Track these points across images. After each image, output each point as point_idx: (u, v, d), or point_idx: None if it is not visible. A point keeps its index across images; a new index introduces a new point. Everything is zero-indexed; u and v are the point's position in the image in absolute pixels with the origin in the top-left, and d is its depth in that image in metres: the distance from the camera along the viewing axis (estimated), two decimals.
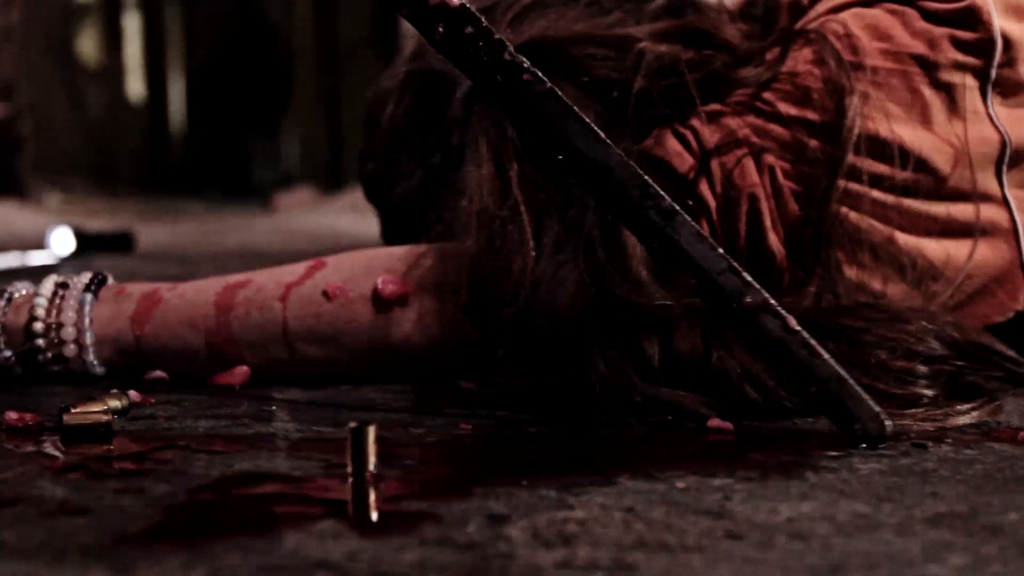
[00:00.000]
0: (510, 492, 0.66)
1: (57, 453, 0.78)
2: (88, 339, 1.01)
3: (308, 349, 0.99)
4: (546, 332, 0.89)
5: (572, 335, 0.88)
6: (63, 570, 0.55)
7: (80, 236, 2.42)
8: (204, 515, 0.64)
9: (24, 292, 1.04)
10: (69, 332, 1.01)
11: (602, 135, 0.78)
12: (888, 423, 0.76)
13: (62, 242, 2.38)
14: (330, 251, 1.06)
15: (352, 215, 3.56)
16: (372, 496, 0.66)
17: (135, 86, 5.35)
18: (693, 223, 0.78)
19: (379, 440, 0.70)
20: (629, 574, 0.54)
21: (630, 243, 0.89)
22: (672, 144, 0.97)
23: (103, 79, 5.31)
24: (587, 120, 0.78)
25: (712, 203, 0.95)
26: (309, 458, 0.75)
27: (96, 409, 0.84)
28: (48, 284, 1.03)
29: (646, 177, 0.78)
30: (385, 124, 1.15)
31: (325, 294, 0.99)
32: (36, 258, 2.30)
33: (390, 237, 1.19)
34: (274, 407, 0.91)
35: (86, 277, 1.04)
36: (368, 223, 1.33)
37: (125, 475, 0.72)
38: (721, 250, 0.77)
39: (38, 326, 1.01)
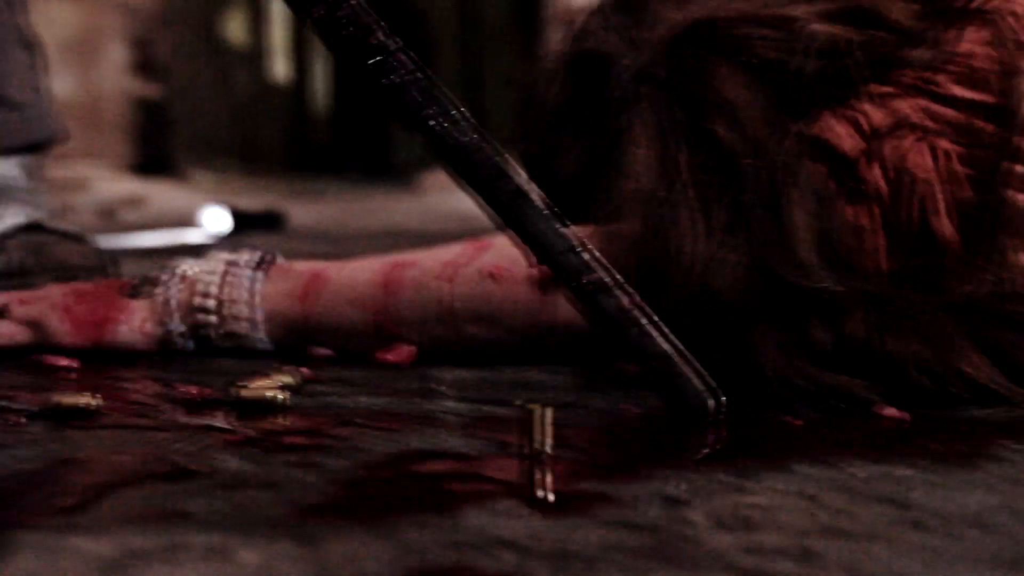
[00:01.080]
0: (685, 476, 0.66)
1: (233, 427, 0.79)
2: (257, 316, 1.03)
3: (472, 329, 1.00)
4: (711, 315, 0.88)
5: (738, 319, 0.87)
6: (251, 541, 0.56)
7: (233, 215, 2.47)
8: (383, 491, 0.65)
9: (192, 269, 1.06)
10: (238, 309, 1.03)
11: (461, 115, 0.81)
12: (711, 401, 0.78)
13: (215, 220, 2.43)
14: (476, 232, 1.07)
15: None
16: (548, 476, 0.67)
17: (280, 67, 5.43)
18: (542, 204, 0.80)
19: (547, 421, 0.71)
20: (815, 561, 0.54)
21: (797, 227, 0.88)
22: (839, 127, 0.96)
23: (249, 61, 5.40)
24: (447, 101, 0.81)
25: (881, 188, 0.93)
26: (480, 437, 0.75)
27: (269, 384, 0.85)
28: (218, 261, 1.05)
29: (498, 158, 0.81)
30: (545, 105, 1.15)
31: (490, 275, 0.99)
32: (190, 236, 2.35)
33: None
34: (441, 386, 0.92)
35: (255, 255, 1.05)
36: None
37: (301, 450, 0.73)
38: (568, 230, 0.80)
39: (209, 302, 1.03)
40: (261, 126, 5.38)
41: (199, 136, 4.59)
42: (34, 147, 1.50)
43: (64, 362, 1.01)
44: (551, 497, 0.63)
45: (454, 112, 0.80)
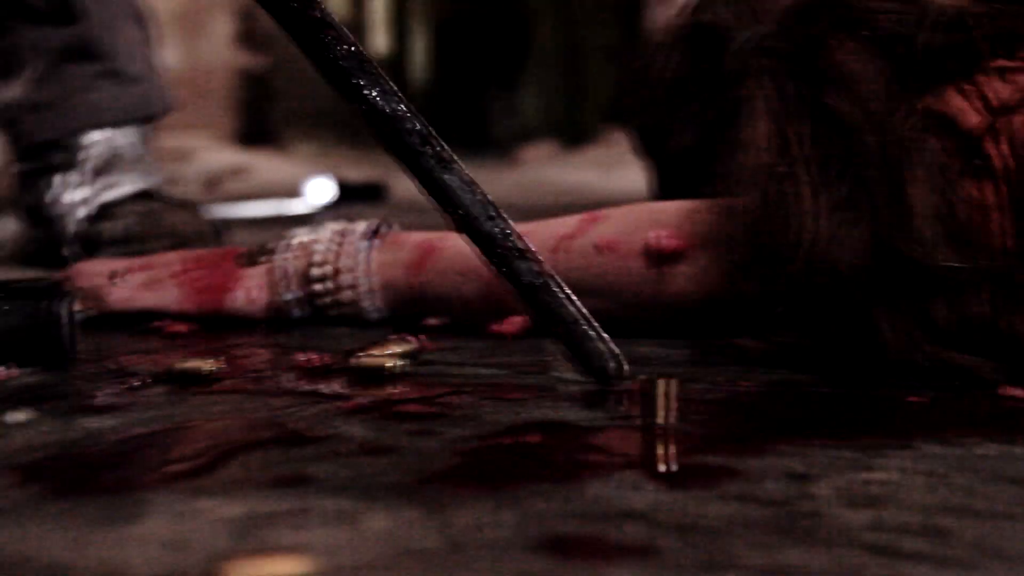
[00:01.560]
0: (806, 451, 0.65)
1: (350, 395, 0.80)
2: (367, 285, 1.03)
3: (585, 302, 0.99)
4: (828, 291, 0.87)
5: (855, 295, 0.86)
6: (377, 507, 0.56)
7: (337, 185, 2.48)
8: (504, 461, 0.65)
9: (305, 238, 1.07)
10: (349, 278, 1.03)
11: (391, 87, 0.83)
12: (612, 365, 0.81)
13: (320, 191, 2.45)
14: (575, 206, 1.06)
15: (595, 170, 3.57)
16: (671, 449, 0.66)
17: (380, 39, 5.45)
18: (465, 174, 0.84)
19: (670, 394, 0.70)
20: (944, 539, 0.53)
21: (919, 203, 0.87)
22: (959, 101, 0.94)
23: (350, 33, 5.42)
24: (378, 75, 0.83)
25: (1008, 164, 0.91)
26: (599, 409, 0.75)
27: (384, 352, 0.86)
28: (329, 230, 1.06)
29: (424, 129, 0.83)
30: (660, 78, 1.14)
31: (598, 247, 0.99)
32: (294, 206, 2.37)
33: (664, 191, 1.18)
34: (553, 357, 0.91)
35: (369, 224, 1.06)
36: (612, 178, 1.33)
37: (420, 418, 0.73)
38: (487, 198, 0.84)
39: (319, 271, 1.04)
40: None
41: (300, 107, 4.62)
42: (147, 119, 1.52)
43: (180, 328, 1.02)
44: (674, 469, 0.63)
45: (385, 85, 0.84)
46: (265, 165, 3.35)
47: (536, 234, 1.02)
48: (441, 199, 0.85)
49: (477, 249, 0.85)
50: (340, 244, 1.04)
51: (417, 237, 1.05)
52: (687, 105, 1.11)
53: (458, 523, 0.54)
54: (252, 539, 0.52)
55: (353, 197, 2.51)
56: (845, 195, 0.89)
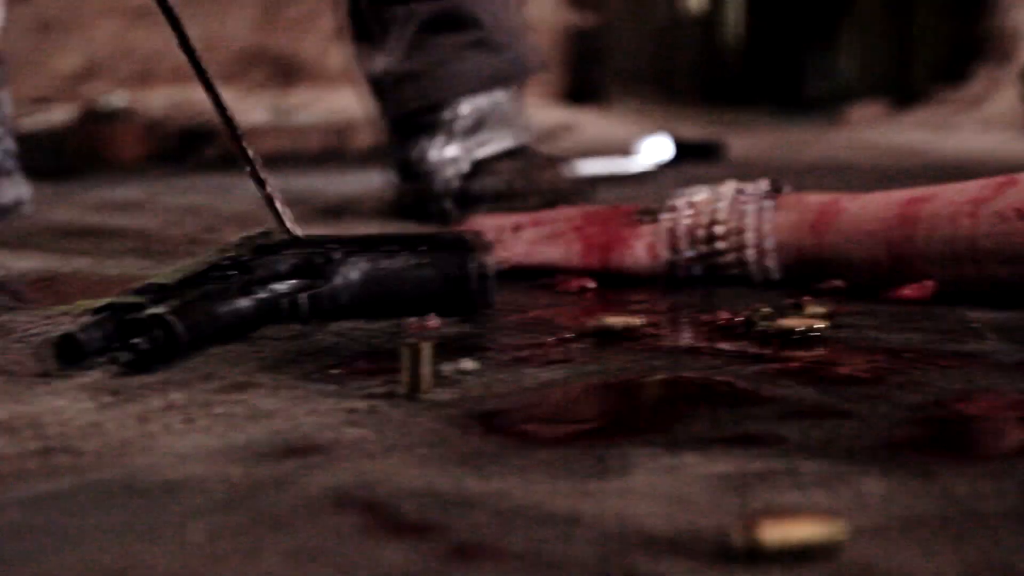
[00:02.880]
0: None
1: (778, 356, 0.79)
2: (768, 244, 1.03)
3: (996, 268, 0.96)
4: None
5: None
6: (865, 471, 0.56)
7: (673, 143, 2.48)
8: (966, 429, 0.63)
9: (705, 196, 1.07)
10: (750, 237, 1.03)
11: None
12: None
13: (656, 149, 2.45)
14: (916, 168, 1.03)
15: (926, 131, 3.46)
16: None
17: None
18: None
19: None
20: None
21: None
22: None
23: None
24: None
25: None
26: None
27: (806, 314, 0.85)
28: (728, 189, 1.05)
29: None
30: None
31: (1015, 213, 0.95)
32: (631, 164, 2.38)
33: None
34: (976, 325, 0.89)
35: (764, 184, 1.05)
36: (946, 140, 1.28)
37: (860, 383, 0.72)
38: None
39: (719, 229, 1.04)
40: (676, 57, 5.39)
41: (621, 66, 4.63)
42: (513, 83, 1.55)
43: (584, 283, 1.03)
44: None
45: None
46: (590, 123, 3.37)
47: (940, 196, 0.99)
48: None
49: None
50: (742, 203, 1.04)
51: (819, 198, 1.04)
52: None
53: (957, 492, 0.53)
54: (753, 497, 0.52)
55: (689, 155, 2.50)
56: None
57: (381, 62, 1.51)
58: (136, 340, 0.72)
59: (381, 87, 1.53)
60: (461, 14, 1.50)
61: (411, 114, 1.49)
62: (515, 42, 1.54)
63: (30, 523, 0.50)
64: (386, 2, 1.50)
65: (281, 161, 2.17)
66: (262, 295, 0.81)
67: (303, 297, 0.81)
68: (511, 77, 1.54)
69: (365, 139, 2.46)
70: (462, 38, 1.50)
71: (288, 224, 0.86)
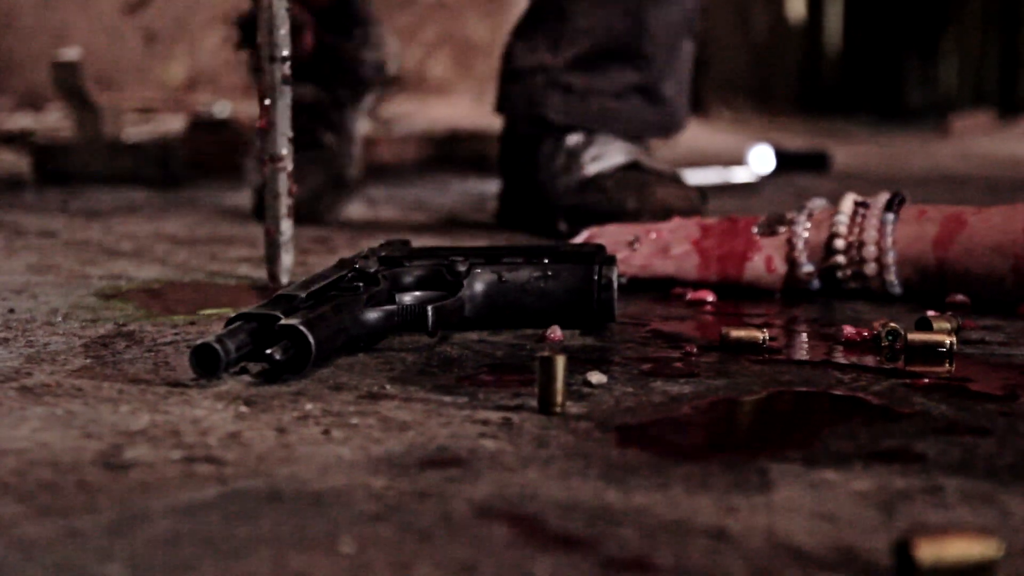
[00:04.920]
0: None
1: (912, 370, 0.79)
2: (889, 258, 1.02)
3: None
4: None
5: None
6: (1012, 490, 0.55)
7: (777, 154, 2.46)
8: None
9: (825, 209, 1.06)
10: (871, 251, 1.02)
11: None
12: None
13: (761, 159, 2.43)
14: (1018, 179, 1.01)
15: None
16: None
17: (796, 6, 5.37)
18: None
19: None
20: None
21: None
22: None
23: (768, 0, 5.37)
24: None
25: None
26: None
27: (939, 329, 0.84)
28: (848, 202, 1.05)
29: None
30: None
31: None
32: (738, 175, 2.36)
33: None
34: None
35: (885, 197, 1.04)
36: None
37: (996, 399, 0.71)
38: None
39: (839, 243, 1.03)
40: (775, 66, 5.35)
41: (721, 75, 4.62)
42: (654, 135, 1.53)
43: (705, 296, 1.03)
44: None
45: None
46: (690, 133, 3.35)
47: None
48: None
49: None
50: (862, 216, 1.03)
51: (943, 211, 1.02)
52: None
53: None
54: (898, 516, 0.52)
55: (794, 166, 2.48)
56: None
57: (543, 57, 1.48)
58: (270, 351, 0.73)
59: (527, 79, 1.49)
60: (637, 50, 1.46)
61: (540, 119, 1.46)
62: (676, 97, 1.50)
63: (179, 532, 0.51)
64: (572, 7, 1.47)
65: (386, 171, 2.19)
66: (389, 307, 0.82)
67: (430, 309, 0.82)
68: (658, 132, 1.53)
69: (466, 150, 2.48)
70: (629, 77, 1.47)
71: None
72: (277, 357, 0.73)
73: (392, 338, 0.85)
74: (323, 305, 0.78)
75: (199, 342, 0.72)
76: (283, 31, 1.05)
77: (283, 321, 0.74)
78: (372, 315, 0.81)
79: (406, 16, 3.49)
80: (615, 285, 0.89)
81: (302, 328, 0.73)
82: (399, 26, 3.44)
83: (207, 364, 0.72)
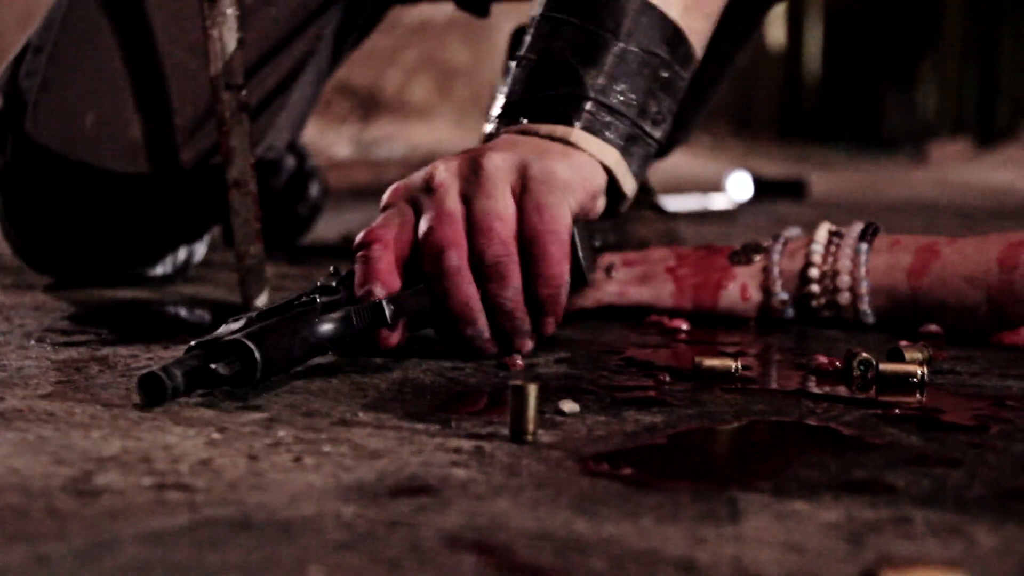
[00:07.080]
0: None
1: (883, 400, 0.79)
2: (863, 288, 1.02)
3: None
4: None
5: None
6: (978, 521, 0.55)
7: (754, 181, 2.47)
8: None
9: (798, 238, 1.07)
10: (844, 280, 1.03)
11: None
12: None
13: (738, 186, 2.45)
14: (993, 208, 1.02)
15: (1010, 170, 3.43)
16: None
17: (776, 33, 5.40)
18: None
19: None
20: None
21: None
22: None
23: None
24: None
25: None
26: None
27: (910, 360, 0.84)
28: (823, 231, 1.05)
29: None
30: None
31: None
32: (715, 201, 2.37)
33: None
34: None
35: (860, 226, 1.05)
36: None
37: (967, 430, 0.72)
38: None
39: (814, 272, 1.03)
40: (755, 92, 5.38)
41: None
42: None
43: (680, 324, 1.03)
44: None
45: None
46: (668, 158, 3.36)
47: None
48: None
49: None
50: (836, 246, 1.04)
51: (917, 240, 1.03)
52: None
53: None
54: (866, 548, 0.52)
55: (772, 193, 2.49)
56: None
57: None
58: (214, 366, 0.74)
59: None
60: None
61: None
62: (692, 119, 1.49)
63: (149, 559, 0.51)
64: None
65: (366, 194, 2.19)
66: (345, 309, 0.82)
67: (385, 301, 0.82)
68: (662, 152, 1.52)
69: None
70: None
71: None
72: (221, 372, 0.74)
73: (364, 363, 0.85)
74: (272, 318, 0.79)
75: (145, 371, 0.73)
76: (236, 60, 1.05)
77: (227, 337, 0.75)
78: (328, 322, 0.81)
79: (387, 39, 3.49)
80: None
81: (245, 340, 0.74)
82: (380, 48, 3.45)
83: (153, 393, 0.73)
